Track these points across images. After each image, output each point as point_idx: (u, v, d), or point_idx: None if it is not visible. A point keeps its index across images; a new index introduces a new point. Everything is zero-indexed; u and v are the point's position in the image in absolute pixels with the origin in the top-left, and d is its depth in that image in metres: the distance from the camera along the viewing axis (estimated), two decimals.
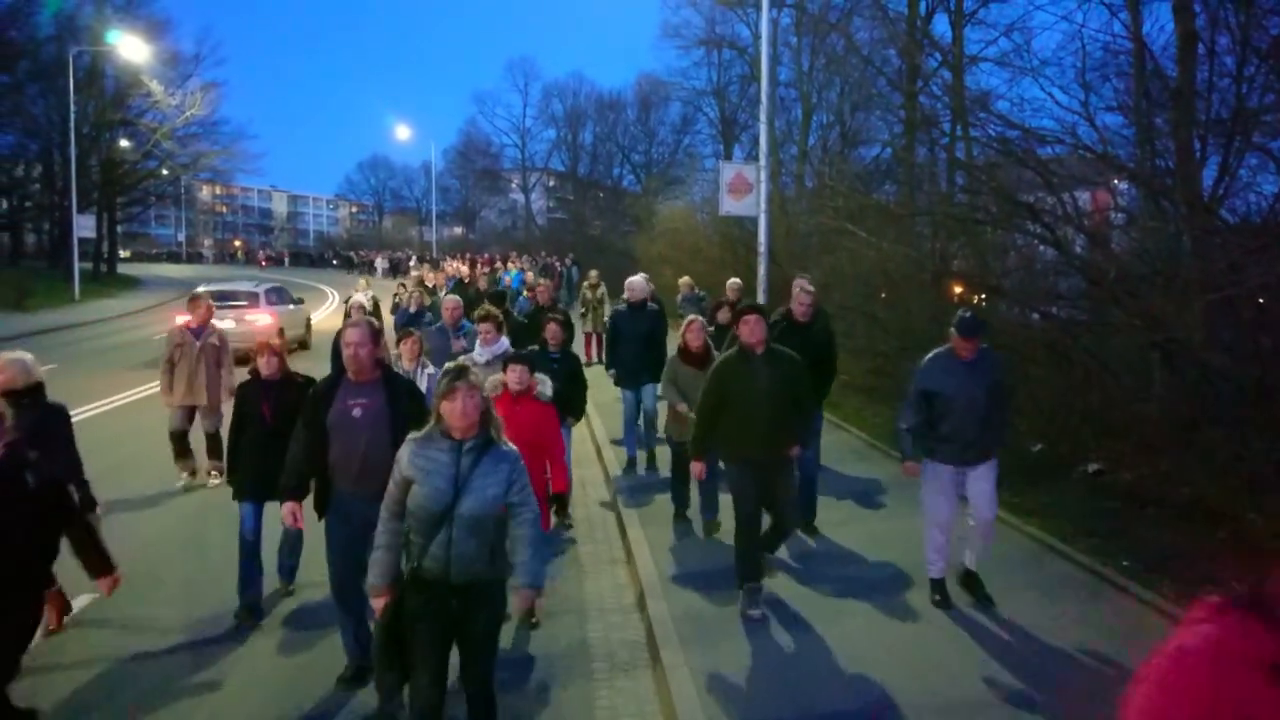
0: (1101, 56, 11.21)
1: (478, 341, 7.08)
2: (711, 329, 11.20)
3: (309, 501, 5.06)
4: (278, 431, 5.67)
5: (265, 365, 6.11)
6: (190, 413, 9.36)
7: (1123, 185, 11.69)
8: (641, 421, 9.92)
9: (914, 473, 6.16)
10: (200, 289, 20.23)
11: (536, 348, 7.82)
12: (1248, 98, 9.90)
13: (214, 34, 55.93)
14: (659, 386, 8.26)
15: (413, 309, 12.07)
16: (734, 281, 12.74)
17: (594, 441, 11.40)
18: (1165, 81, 10.51)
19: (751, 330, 5.89)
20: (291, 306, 20.56)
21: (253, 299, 19.03)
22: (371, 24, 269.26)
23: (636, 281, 10.31)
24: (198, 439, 9.45)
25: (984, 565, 6.31)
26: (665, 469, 9.39)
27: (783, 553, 6.99)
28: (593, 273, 19.97)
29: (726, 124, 42.19)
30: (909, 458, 6.16)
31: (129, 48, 36.69)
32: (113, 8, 42.99)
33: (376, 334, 4.86)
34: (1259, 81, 9.90)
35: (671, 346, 8.34)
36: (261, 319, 18.06)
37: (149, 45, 38.57)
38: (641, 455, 9.92)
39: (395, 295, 12.60)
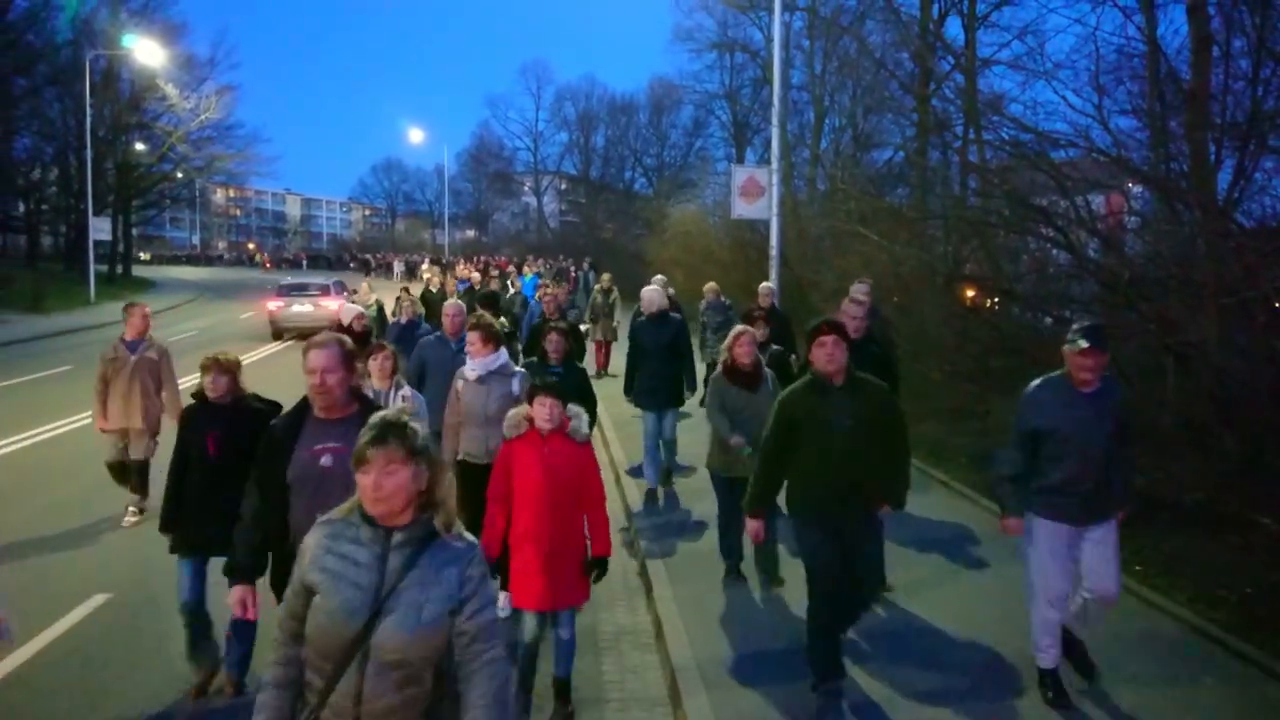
0: (1115, 59, 11.15)
1: (467, 355, 5.96)
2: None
3: (263, 581, 3.99)
4: (224, 469, 4.75)
5: (211, 386, 5.01)
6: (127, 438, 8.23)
7: (1136, 189, 11.65)
8: (662, 450, 8.96)
9: (1016, 531, 4.90)
10: (285, 281, 26.87)
11: (535, 359, 7.15)
12: (1263, 101, 9.83)
13: (229, 37, 56.60)
14: (705, 411, 6.91)
15: (404, 320, 10.55)
16: (766, 286, 11.51)
17: (611, 466, 10.03)
18: (1179, 84, 10.46)
19: (830, 355, 4.63)
20: (347, 295, 24.69)
21: (324, 289, 24.96)
22: (384, 27, 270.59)
23: (651, 292, 9.20)
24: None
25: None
26: (687, 499, 8.62)
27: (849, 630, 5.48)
28: (604, 276, 18.83)
29: (738, 127, 42.24)
30: (1010, 513, 4.87)
31: (145, 52, 37.08)
32: (129, 12, 43.39)
33: (350, 355, 3.72)
34: (1275, 84, 9.83)
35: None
36: (333, 304, 22.38)
37: (164, 49, 38.94)
38: (660, 490, 8.94)
39: (398, 299, 11.34)
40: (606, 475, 9.06)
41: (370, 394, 5.26)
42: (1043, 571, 4.83)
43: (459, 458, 5.82)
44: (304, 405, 3.76)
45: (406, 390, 5.85)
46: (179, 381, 8.47)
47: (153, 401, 8.09)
